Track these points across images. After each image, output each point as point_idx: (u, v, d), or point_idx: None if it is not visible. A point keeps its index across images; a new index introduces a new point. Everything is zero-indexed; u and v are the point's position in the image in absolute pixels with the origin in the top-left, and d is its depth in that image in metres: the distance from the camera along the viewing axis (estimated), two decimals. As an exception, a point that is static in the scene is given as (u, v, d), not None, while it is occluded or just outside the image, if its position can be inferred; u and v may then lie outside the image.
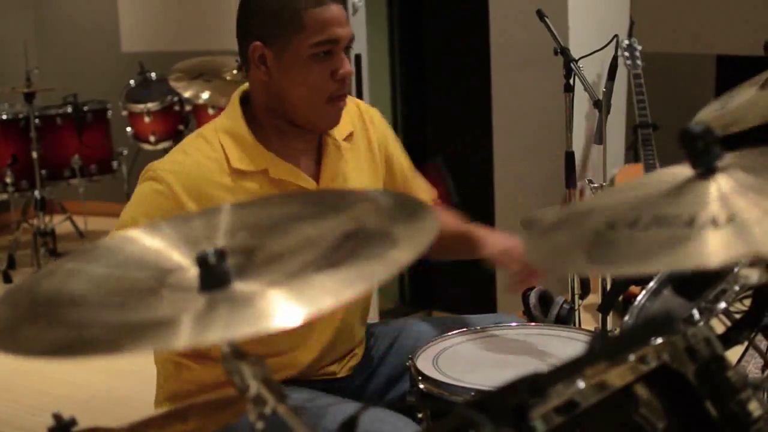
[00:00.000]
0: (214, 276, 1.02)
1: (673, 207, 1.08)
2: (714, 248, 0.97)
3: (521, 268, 2.06)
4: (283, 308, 0.96)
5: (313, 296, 0.98)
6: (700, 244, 0.98)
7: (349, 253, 1.07)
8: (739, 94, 2.07)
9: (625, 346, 0.99)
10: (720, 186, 1.06)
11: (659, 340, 1.06)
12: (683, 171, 1.11)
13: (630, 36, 4.42)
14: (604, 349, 0.96)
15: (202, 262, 1.03)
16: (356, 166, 2.13)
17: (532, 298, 2.25)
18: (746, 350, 2.79)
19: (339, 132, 2.11)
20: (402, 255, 1.04)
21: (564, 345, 1.95)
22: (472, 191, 4.60)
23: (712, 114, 2.00)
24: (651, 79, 4.44)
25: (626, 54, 4.36)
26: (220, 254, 1.04)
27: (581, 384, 1.06)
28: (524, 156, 4.18)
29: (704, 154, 1.04)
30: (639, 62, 4.39)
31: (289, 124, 2.03)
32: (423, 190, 2.31)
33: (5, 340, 1.01)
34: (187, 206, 1.91)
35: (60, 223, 5.80)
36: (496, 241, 2.14)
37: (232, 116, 2.04)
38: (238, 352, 1.07)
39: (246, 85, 2.08)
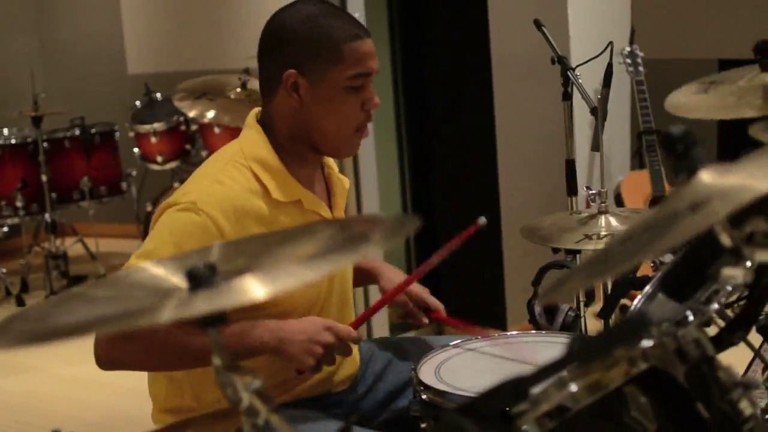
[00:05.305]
0: (203, 283, 1.05)
1: (659, 214, 1.11)
2: (688, 225, 1.01)
3: (408, 307, 2.23)
4: (252, 286, 1.07)
5: (278, 277, 1.10)
6: (678, 227, 1.01)
7: (324, 250, 1.16)
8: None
9: (601, 347, 1.00)
10: (703, 179, 1.08)
11: (643, 342, 1.07)
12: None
13: (631, 43, 4.43)
14: (581, 351, 0.97)
15: (191, 274, 1.05)
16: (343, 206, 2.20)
17: (537, 307, 2.26)
18: (753, 360, 2.77)
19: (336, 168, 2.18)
20: (369, 249, 1.14)
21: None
22: (477, 201, 4.61)
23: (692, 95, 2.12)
24: (654, 86, 4.44)
25: (628, 61, 4.36)
26: (210, 267, 1.06)
27: (572, 387, 1.07)
28: (528, 165, 4.18)
29: (684, 156, 1.06)
30: (641, 69, 4.39)
31: (311, 150, 2.04)
32: None
33: None
34: (229, 238, 1.88)
35: (71, 246, 5.84)
36: (391, 276, 2.26)
37: (257, 143, 2.02)
38: (231, 364, 1.08)
39: (257, 109, 2.08)
